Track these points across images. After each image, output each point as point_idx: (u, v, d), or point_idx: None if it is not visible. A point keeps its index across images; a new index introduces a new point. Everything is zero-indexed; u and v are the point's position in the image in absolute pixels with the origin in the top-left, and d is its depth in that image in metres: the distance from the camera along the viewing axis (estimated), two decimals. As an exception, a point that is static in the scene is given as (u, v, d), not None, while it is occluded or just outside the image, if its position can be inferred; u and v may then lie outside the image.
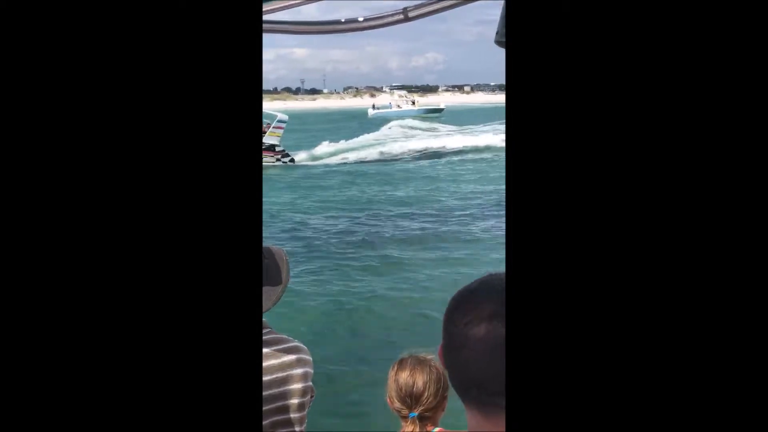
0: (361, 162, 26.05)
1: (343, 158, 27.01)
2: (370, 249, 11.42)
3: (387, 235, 12.60)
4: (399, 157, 27.58)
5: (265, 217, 13.93)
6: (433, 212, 14.84)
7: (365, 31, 1.29)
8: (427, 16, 1.22)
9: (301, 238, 12.45)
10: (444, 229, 12.92)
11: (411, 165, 25.37)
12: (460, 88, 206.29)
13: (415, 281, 9.30)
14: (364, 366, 6.41)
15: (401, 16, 1.22)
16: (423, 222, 13.70)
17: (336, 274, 9.89)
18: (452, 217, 14.07)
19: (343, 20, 1.28)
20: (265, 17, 1.18)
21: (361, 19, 1.26)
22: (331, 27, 1.31)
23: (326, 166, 25.33)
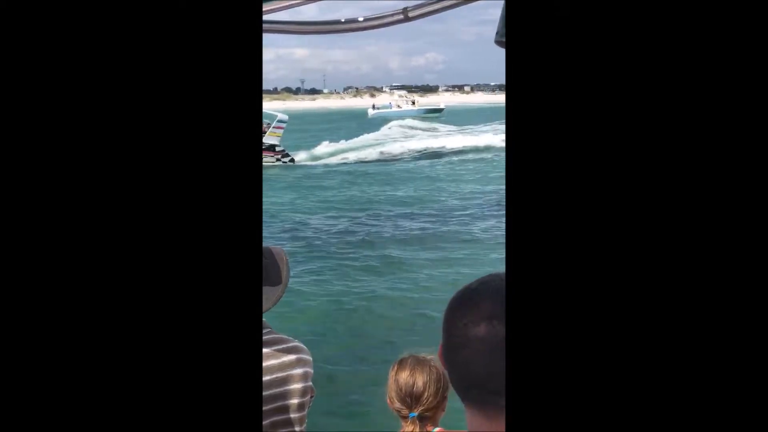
0: (361, 162, 26.06)
1: (343, 158, 27.02)
2: (370, 249, 11.42)
3: (387, 235, 12.60)
4: (399, 157, 27.59)
5: (265, 217, 13.93)
6: (434, 212, 14.84)
7: (365, 32, 1.29)
8: (426, 16, 1.22)
9: (302, 238, 12.46)
10: (444, 229, 12.93)
11: (411, 165, 25.37)
12: (460, 88, 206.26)
13: (416, 281, 9.31)
14: (365, 366, 6.42)
15: (401, 16, 1.22)
16: (423, 222, 13.71)
17: (336, 274, 9.89)
18: (452, 217, 14.08)
19: (342, 20, 1.28)
20: (265, 17, 1.18)
21: (360, 19, 1.26)
22: (330, 27, 1.31)
23: (326, 166, 25.34)
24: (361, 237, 12.48)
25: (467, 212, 14.65)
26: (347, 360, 6.65)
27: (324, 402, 5.60)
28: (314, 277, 9.58)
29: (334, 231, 13.12)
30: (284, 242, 11.67)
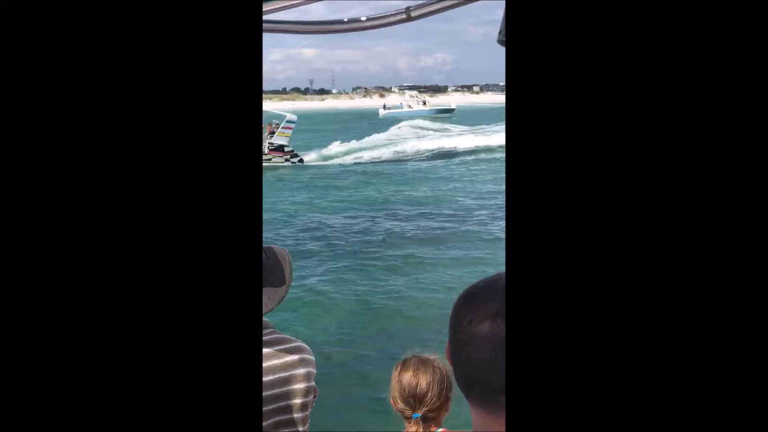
0: (375, 162, 26.06)
1: (356, 158, 27.05)
2: (391, 248, 11.42)
3: (408, 234, 12.60)
4: (412, 157, 27.59)
5: (284, 216, 13.98)
6: (452, 212, 14.84)
7: (373, 31, 1.28)
8: (429, 15, 1.21)
9: (322, 237, 12.47)
10: (464, 228, 12.92)
11: (425, 165, 25.37)
12: (469, 88, 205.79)
13: (440, 281, 9.30)
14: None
15: (404, 16, 1.21)
16: (442, 222, 13.71)
17: (360, 273, 9.88)
18: (471, 217, 14.08)
19: (345, 20, 1.28)
20: (266, 17, 1.18)
21: (363, 18, 1.26)
22: (333, 26, 1.30)
23: (340, 165, 25.37)
24: (381, 237, 12.49)
25: (485, 212, 14.64)
26: (380, 360, 6.65)
27: (360, 401, 5.62)
28: (338, 276, 9.58)
29: (354, 230, 13.13)
30: (305, 242, 11.69)
